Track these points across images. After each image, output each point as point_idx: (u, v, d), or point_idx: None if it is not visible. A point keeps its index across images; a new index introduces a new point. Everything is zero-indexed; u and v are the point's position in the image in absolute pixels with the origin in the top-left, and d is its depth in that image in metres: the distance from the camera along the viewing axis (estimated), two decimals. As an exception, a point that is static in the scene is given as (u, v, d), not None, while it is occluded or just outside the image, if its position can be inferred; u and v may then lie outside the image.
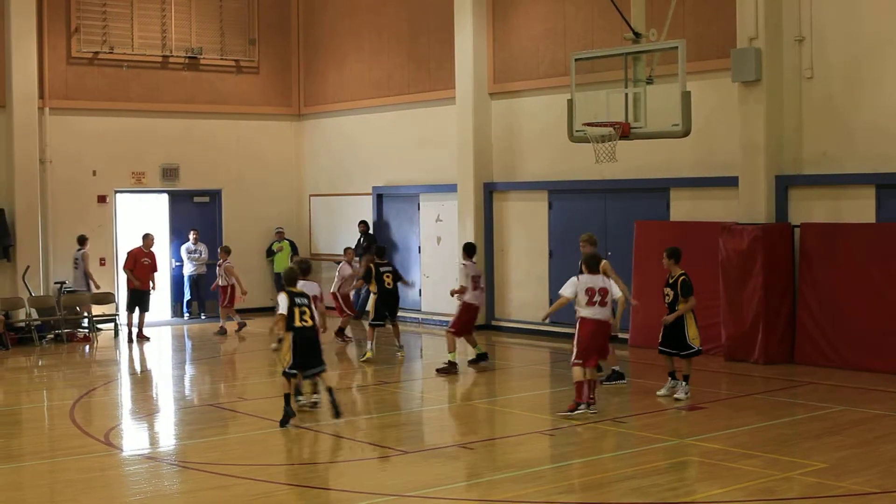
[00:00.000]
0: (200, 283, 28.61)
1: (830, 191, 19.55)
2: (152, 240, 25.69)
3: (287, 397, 15.03)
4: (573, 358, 15.51)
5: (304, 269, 17.10)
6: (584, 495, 11.72)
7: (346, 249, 24.45)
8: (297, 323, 14.96)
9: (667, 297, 16.58)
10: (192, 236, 28.49)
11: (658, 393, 16.76)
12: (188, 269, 28.48)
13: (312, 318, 15.17)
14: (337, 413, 15.09)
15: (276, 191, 30.32)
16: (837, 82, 19.44)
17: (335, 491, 12.04)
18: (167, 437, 15.69)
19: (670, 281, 16.62)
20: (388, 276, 21.09)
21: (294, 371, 15.10)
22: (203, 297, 28.77)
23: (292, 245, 29.71)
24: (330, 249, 29.61)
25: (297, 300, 15.11)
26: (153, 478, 12.95)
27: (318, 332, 15.52)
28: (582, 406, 15.38)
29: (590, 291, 15.54)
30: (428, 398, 17.41)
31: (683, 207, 21.71)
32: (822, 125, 19.62)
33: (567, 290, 15.65)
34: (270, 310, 29.31)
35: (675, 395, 16.49)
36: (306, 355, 15.09)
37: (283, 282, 15.59)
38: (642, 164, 21.67)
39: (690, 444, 13.75)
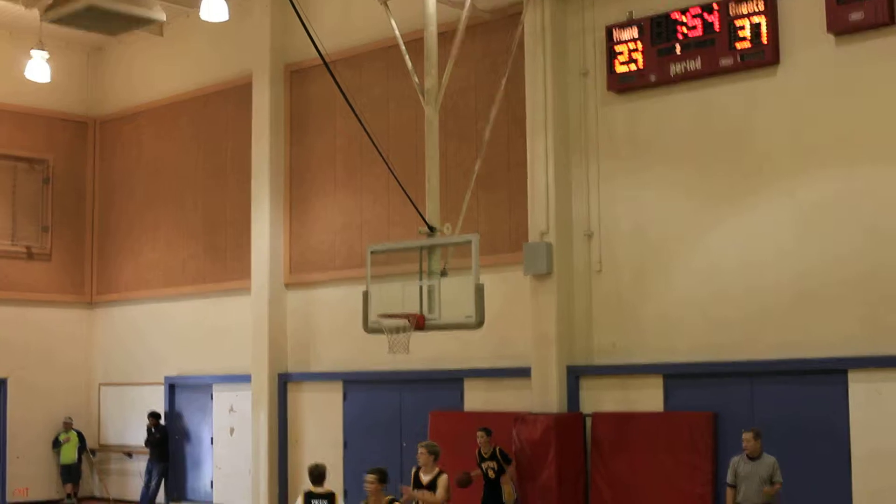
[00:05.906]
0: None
1: (620, 380, 19.93)
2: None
3: None
4: None
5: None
6: None
7: None
8: None
9: (490, 472, 17.11)
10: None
11: None
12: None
13: None
14: None
15: (66, 379, 29.37)
16: (626, 276, 20.01)
17: None
18: None
19: (486, 455, 16.96)
20: None
21: None
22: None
23: (80, 435, 28.86)
24: (120, 440, 28.82)
25: (315, 502, 14.44)
26: None
27: None
28: None
29: None
30: None
31: (478, 398, 21.78)
32: (612, 317, 20.09)
33: None
34: (56, 503, 28.60)
35: None
36: None
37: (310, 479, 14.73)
38: (437, 354, 21.76)
39: None
